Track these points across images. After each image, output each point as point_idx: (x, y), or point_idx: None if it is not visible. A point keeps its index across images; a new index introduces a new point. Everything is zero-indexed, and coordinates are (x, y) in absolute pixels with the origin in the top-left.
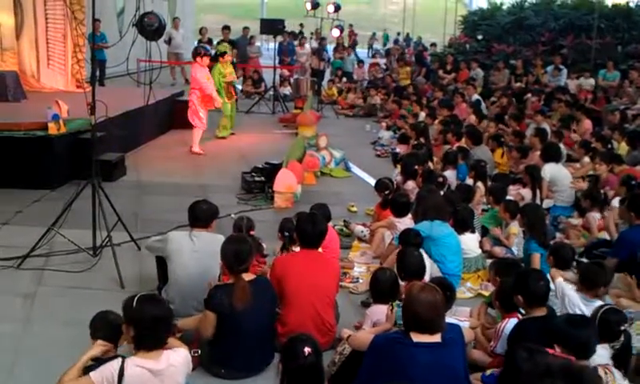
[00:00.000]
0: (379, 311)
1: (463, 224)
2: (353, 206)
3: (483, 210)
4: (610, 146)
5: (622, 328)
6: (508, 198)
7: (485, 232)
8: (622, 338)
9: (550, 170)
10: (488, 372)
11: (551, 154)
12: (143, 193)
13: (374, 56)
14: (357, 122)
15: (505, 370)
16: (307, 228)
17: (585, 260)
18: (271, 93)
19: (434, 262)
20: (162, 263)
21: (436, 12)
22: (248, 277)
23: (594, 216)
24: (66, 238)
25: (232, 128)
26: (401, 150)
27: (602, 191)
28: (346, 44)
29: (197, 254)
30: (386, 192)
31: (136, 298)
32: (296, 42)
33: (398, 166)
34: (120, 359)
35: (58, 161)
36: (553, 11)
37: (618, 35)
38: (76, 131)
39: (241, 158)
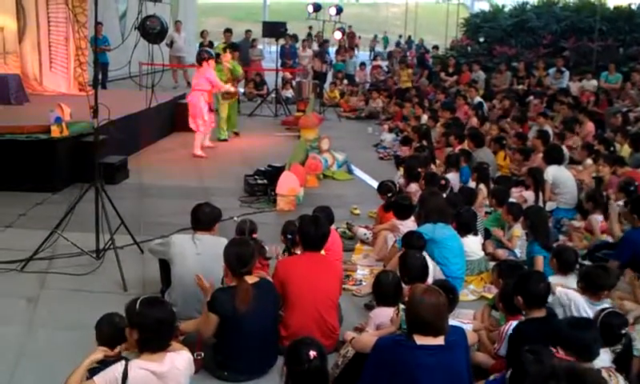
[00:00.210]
0: (382, 314)
1: (466, 226)
2: (355, 209)
3: (486, 213)
4: (612, 148)
5: (623, 331)
6: (511, 200)
7: (488, 234)
8: (623, 342)
9: (552, 173)
10: (492, 377)
11: (554, 157)
12: (146, 196)
13: (374, 58)
14: (359, 124)
15: (513, 373)
16: (310, 230)
17: (587, 262)
18: (273, 95)
19: (437, 264)
20: (165, 266)
21: (438, 14)
22: (251, 279)
23: (597, 218)
24: (69, 241)
25: (235, 128)
26: (403, 152)
27: (604, 193)
28: (352, 46)
29: (200, 256)
30: (389, 195)
31: (139, 301)
32: (298, 44)
33: (401, 169)
34: (124, 362)
35: (61, 164)
36: (555, 13)
37: (619, 37)
38: (78, 134)
39: (243, 161)
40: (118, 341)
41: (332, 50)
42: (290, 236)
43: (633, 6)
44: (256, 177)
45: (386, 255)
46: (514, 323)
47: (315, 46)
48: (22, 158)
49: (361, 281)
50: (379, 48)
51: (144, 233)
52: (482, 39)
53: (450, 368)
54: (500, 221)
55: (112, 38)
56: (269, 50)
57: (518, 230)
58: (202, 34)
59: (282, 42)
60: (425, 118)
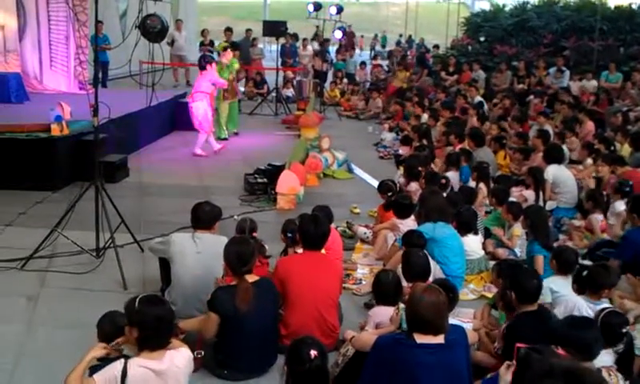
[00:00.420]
0: (382, 312)
1: (466, 226)
2: (355, 208)
3: (486, 212)
4: (612, 147)
5: (624, 330)
6: (511, 199)
7: (488, 234)
8: (624, 341)
9: (552, 172)
10: (488, 375)
11: (554, 156)
12: (146, 194)
13: (374, 58)
14: (359, 123)
15: (517, 372)
16: (310, 229)
17: (588, 262)
18: (274, 94)
19: (437, 263)
20: (165, 265)
21: (438, 14)
22: (251, 278)
23: (597, 218)
24: (69, 240)
25: (236, 128)
26: (403, 151)
27: (604, 193)
28: (352, 46)
29: (200, 255)
30: (389, 194)
31: (138, 299)
32: (298, 43)
33: (401, 168)
34: (123, 360)
35: (61, 162)
36: (555, 13)
37: (620, 37)
38: (79, 133)
39: (243, 160)
40: (118, 337)
41: (332, 49)
42: (290, 235)
43: (633, 6)
44: (256, 175)
45: (386, 254)
46: None
47: (316, 45)
48: (22, 156)
49: (361, 280)
50: (379, 47)
51: (144, 231)
52: (482, 38)
53: (450, 367)
54: (500, 220)
55: (112, 36)
56: (269, 49)
57: (518, 229)
58: (203, 32)
59: (282, 40)
60: (425, 117)
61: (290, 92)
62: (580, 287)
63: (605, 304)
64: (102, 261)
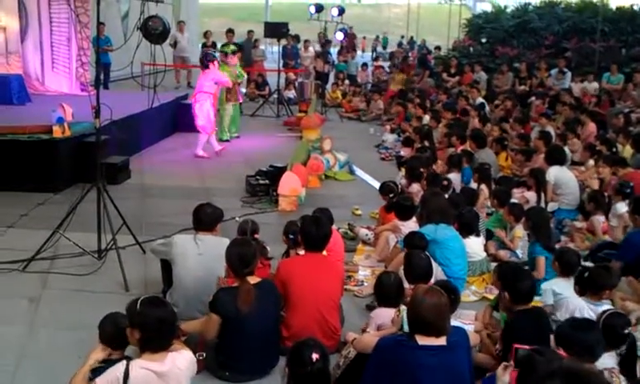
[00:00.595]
0: (384, 314)
1: (468, 227)
2: (357, 209)
3: (487, 214)
4: (614, 149)
5: (626, 332)
6: (512, 201)
7: (489, 235)
8: (627, 343)
9: (554, 173)
10: (488, 375)
11: (556, 157)
12: (148, 196)
13: (376, 59)
14: (361, 125)
15: (520, 374)
16: (311, 231)
17: (590, 263)
18: (275, 96)
19: (439, 265)
20: (166, 266)
21: (440, 15)
22: (253, 280)
23: (599, 219)
24: (71, 241)
25: (238, 131)
26: (405, 153)
27: (605, 194)
28: (353, 47)
29: (201, 257)
30: (391, 195)
31: (139, 301)
32: (300, 45)
33: (402, 169)
34: (124, 362)
35: (63, 164)
36: (557, 14)
37: (621, 38)
38: (80, 134)
39: (245, 162)
40: (121, 341)
41: (334, 50)
42: (292, 236)
43: (635, 7)
44: (258, 177)
45: (388, 256)
46: None
47: (318, 47)
48: (23, 158)
49: (362, 281)
50: (381, 48)
51: (146, 233)
52: (484, 40)
53: (451, 368)
54: (502, 221)
55: (114, 38)
56: (270, 51)
57: (520, 230)
58: (206, 34)
59: (283, 42)
60: (427, 118)
61: (291, 93)
62: (581, 289)
63: (606, 306)
64: (103, 262)
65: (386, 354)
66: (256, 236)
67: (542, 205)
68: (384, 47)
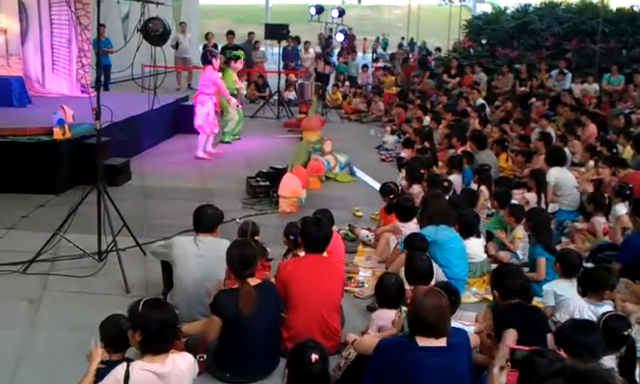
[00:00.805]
0: (385, 316)
1: (469, 228)
2: (358, 211)
3: (488, 215)
4: (615, 150)
5: (626, 333)
6: (513, 202)
7: (490, 237)
8: (626, 344)
9: (555, 174)
10: (486, 371)
11: (556, 158)
12: (148, 198)
13: (376, 60)
14: (361, 126)
15: (521, 375)
16: (312, 232)
17: (591, 265)
18: (276, 97)
19: (440, 266)
20: (167, 268)
21: (440, 16)
22: (253, 281)
23: (599, 220)
24: (71, 243)
25: (239, 134)
26: (405, 154)
27: (605, 195)
28: (353, 49)
29: (202, 258)
30: (391, 196)
31: (141, 303)
32: (300, 46)
33: (403, 171)
34: (125, 364)
35: (63, 166)
36: (557, 15)
37: (622, 39)
38: (81, 136)
39: (245, 163)
40: (122, 342)
41: (334, 51)
42: (292, 237)
43: (635, 8)
44: (258, 178)
45: (389, 257)
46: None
47: (318, 48)
48: (24, 159)
49: (363, 283)
50: (381, 50)
51: (146, 235)
52: (484, 41)
53: (451, 370)
54: (502, 223)
55: (114, 39)
56: (271, 52)
57: (520, 231)
58: (207, 36)
59: (284, 43)
60: (427, 119)
61: (292, 95)
62: (583, 289)
63: (607, 307)
64: (104, 264)
65: (386, 355)
66: (256, 237)
67: (543, 206)
68: (384, 48)
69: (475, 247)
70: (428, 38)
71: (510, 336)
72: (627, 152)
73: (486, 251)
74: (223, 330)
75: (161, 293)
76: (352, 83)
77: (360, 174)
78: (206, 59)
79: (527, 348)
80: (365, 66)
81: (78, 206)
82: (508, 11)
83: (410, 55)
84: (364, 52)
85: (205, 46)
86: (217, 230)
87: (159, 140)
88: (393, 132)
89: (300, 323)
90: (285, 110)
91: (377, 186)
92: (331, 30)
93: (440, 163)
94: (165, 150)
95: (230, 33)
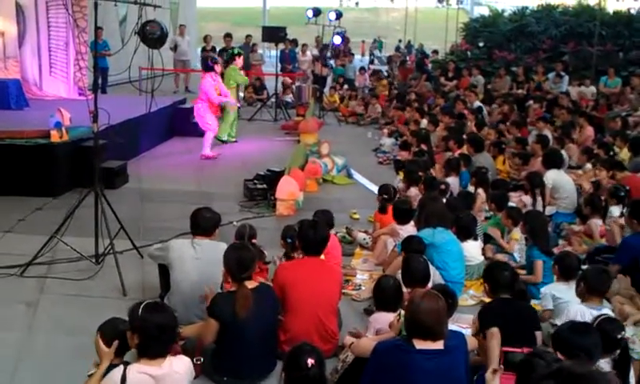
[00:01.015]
0: (382, 319)
1: (466, 231)
2: (355, 213)
3: (486, 218)
4: (612, 152)
5: (619, 336)
6: (510, 204)
7: (487, 239)
8: (620, 347)
9: (552, 177)
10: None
11: (553, 161)
12: (145, 200)
13: (371, 63)
14: (358, 128)
15: (519, 377)
16: (309, 235)
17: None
18: (273, 100)
19: (437, 269)
20: (164, 271)
21: (437, 19)
22: (251, 284)
23: (596, 222)
24: (68, 246)
25: (235, 136)
26: (402, 156)
27: (602, 198)
28: (357, 52)
29: (198, 261)
30: (385, 196)
31: (142, 306)
32: (297, 49)
33: (400, 173)
34: (122, 367)
35: (61, 168)
36: (554, 18)
37: (619, 42)
38: (78, 139)
39: (243, 166)
40: (121, 346)
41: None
42: (289, 240)
43: (632, 11)
44: (255, 181)
45: (386, 260)
46: None
47: (315, 51)
48: (21, 162)
49: (360, 285)
50: (378, 52)
51: (143, 238)
52: (481, 44)
53: (448, 373)
54: (499, 225)
55: (112, 42)
56: (268, 55)
57: (517, 233)
58: (206, 38)
59: (281, 46)
60: (424, 122)
61: (289, 97)
62: (581, 292)
63: (607, 310)
64: (101, 267)
65: (383, 357)
66: (253, 241)
67: (538, 208)
68: (379, 51)
69: (472, 250)
70: (425, 40)
71: (494, 336)
72: (624, 154)
73: (484, 254)
74: (220, 332)
75: (158, 296)
76: (349, 86)
77: (357, 176)
78: (207, 66)
79: (519, 350)
80: (362, 69)
81: (76, 208)
82: (505, 14)
83: (408, 58)
84: (362, 54)
85: (203, 49)
86: (214, 233)
87: (156, 143)
88: (390, 134)
89: (297, 326)
90: (282, 112)
91: (374, 188)
92: (335, 31)
93: (437, 166)
94: (162, 152)
95: (228, 35)
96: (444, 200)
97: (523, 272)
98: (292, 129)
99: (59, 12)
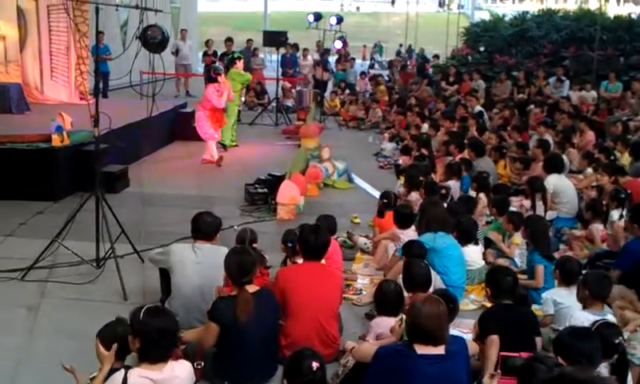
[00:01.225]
0: (383, 323)
1: (467, 235)
2: (356, 218)
3: (487, 222)
4: (612, 157)
5: (617, 341)
6: (512, 209)
7: (488, 244)
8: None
9: (553, 182)
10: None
11: (554, 165)
12: (146, 205)
13: (371, 67)
14: (359, 133)
15: (520, 381)
16: (310, 239)
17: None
18: (274, 104)
19: (438, 273)
20: (165, 275)
21: (438, 24)
22: (251, 288)
23: (598, 227)
24: (69, 250)
25: (235, 141)
26: (403, 161)
27: (604, 202)
28: (358, 56)
29: (199, 266)
30: (384, 201)
31: (143, 310)
32: (298, 53)
33: (401, 178)
34: (123, 371)
35: (62, 173)
36: (555, 23)
37: (619, 47)
38: (79, 143)
39: (244, 170)
40: (121, 350)
41: (332, 58)
42: (290, 244)
43: (633, 16)
44: (256, 186)
45: (387, 264)
46: None
47: (316, 55)
48: (22, 166)
49: (361, 290)
50: (379, 56)
51: (144, 242)
52: (482, 48)
53: (450, 377)
54: (500, 230)
55: (113, 47)
56: (269, 59)
57: (518, 237)
58: (207, 43)
59: (282, 50)
60: (425, 127)
61: (290, 102)
62: (583, 297)
63: (609, 316)
64: (102, 271)
65: (384, 362)
66: (254, 245)
67: (538, 213)
68: (379, 55)
69: (473, 254)
70: (426, 45)
71: (493, 343)
72: (625, 159)
73: (484, 258)
74: (221, 337)
75: (159, 300)
76: (351, 90)
77: (358, 181)
78: (210, 77)
79: (517, 354)
80: (363, 73)
81: (76, 213)
82: (506, 19)
83: (408, 62)
84: (363, 59)
85: (205, 53)
86: (215, 238)
87: (157, 147)
88: (391, 139)
89: (298, 331)
90: (283, 116)
91: (375, 193)
92: (340, 36)
93: (438, 170)
94: (163, 157)
95: (229, 40)
96: (445, 204)
97: (524, 277)
98: (293, 133)
99: (60, 16)
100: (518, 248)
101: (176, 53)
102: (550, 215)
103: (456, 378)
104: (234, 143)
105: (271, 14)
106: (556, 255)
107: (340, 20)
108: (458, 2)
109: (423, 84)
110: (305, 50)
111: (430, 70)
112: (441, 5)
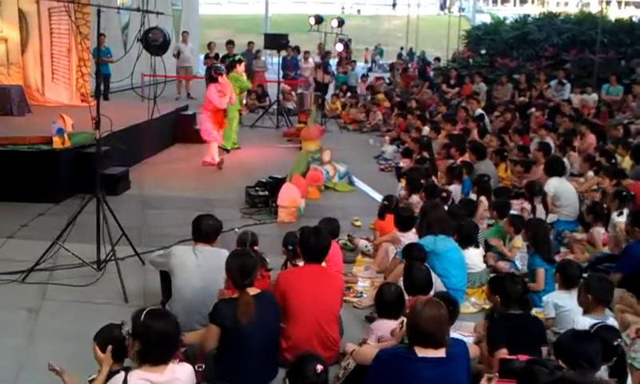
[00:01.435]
0: (384, 326)
1: (467, 238)
2: (357, 221)
3: (488, 225)
4: (613, 160)
5: (616, 344)
6: (513, 212)
7: (489, 247)
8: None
9: (554, 185)
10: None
11: (555, 168)
12: (147, 207)
13: (370, 69)
14: (360, 136)
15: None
16: (310, 242)
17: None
18: (275, 107)
19: (438, 276)
20: (166, 278)
21: (439, 26)
22: (252, 291)
23: (599, 231)
24: (70, 252)
25: (237, 143)
26: (404, 164)
27: (605, 206)
28: (360, 59)
29: (200, 268)
30: (385, 203)
31: (145, 312)
32: (300, 56)
33: (402, 181)
34: (123, 373)
35: (63, 175)
36: (556, 26)
37: (621, 50)
38: (80, 145)
39: (245, 172)
40: (119, 352)
41: (333, 61)
42: (291, 247)
43: (634, 19)
44: (257, 188)
45: (387, 267)
46: None
47: (317, 58)
48: (23, 168)
49: (362, 293)
50: (379, 60)
51: (145, 244)
52: (483, 51)
53: (451, 380)
54: (502, 233)
55: (114, 49)
56: (270, 62)
57: (519, 240)
58: (209, 45)
59: (283, 53)
60: (426, 129)
61: (291, 104)
62: (584, 301)
63: (611, 320)
64: (102, 273)
65: (385, 365)
66: (255, 247)
67: (539, 216)
68: (380, 57)
69: (474, 257)
70: (427, 48)
71: (500, 356)
72: (626, 162)
73: (485, 261)
74: (222, 339)
75: (159, 302)
76: (352, 93)
77: (359, 183)
78: (211, 77)
79: (515, 357)
80: (364, 76)
81: (77, 215)
82: (507, 21)
83: (410, 65)
84: (365, 61)
85: (207, 56)
86: (216, 240)
87: (159, 149)
88: (392, 141)
89: (299, 333)
90: (284, 119)
91: (376, 195)
92: (343, 39)
93: (439, 173)
94: (164, 159)
95: (230, 42)
96: (446, 207)
97: (525, 280)
98: (294, 136)
99: (62, 19)
100: (518, 251)
101: (177, 55)
102: (551, 218)
103: (456, 381)
104: (236, 145)
105: (272, 17)
106: (557, 258)
107: (341, 23)
108: (459, 5)
109: (424, 87)
110: (306, 52)
111: (431, 73)
112: (442, 8)
